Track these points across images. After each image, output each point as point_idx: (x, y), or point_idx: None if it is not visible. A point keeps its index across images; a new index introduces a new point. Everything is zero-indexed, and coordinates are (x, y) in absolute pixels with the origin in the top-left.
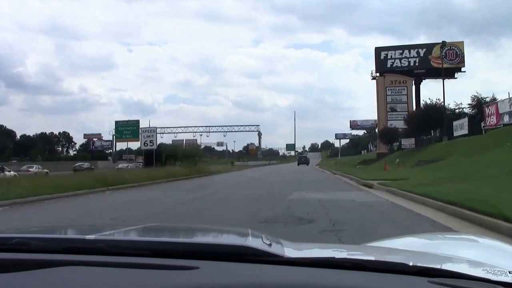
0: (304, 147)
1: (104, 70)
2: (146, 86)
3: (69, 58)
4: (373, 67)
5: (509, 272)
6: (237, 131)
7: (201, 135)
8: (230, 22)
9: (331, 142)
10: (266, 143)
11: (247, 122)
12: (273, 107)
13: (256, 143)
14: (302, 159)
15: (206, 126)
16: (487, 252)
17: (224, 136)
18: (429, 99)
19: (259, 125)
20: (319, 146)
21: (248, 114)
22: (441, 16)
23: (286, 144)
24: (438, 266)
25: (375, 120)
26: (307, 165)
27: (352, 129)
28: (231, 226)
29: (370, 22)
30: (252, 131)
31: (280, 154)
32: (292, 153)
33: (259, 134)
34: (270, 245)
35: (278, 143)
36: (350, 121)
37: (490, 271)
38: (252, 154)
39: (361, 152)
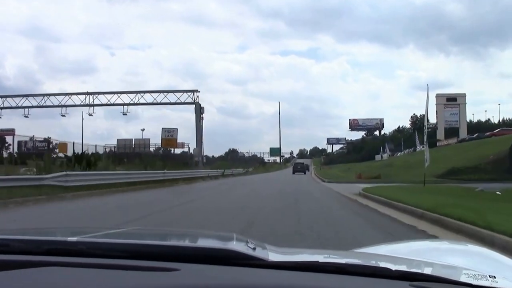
0: (291, 153)
1: (86, 73)
2: (128, 90)
3: (49, 61)
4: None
5: (489, 276)
6: (172, 104)
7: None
8: (215, 27)
9: (320, 148)
10: (253, 150)
11: (231, 129)
12: (259, 114)
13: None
14: (298, 166)
15: (135, 92)
16: (472, 259)
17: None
18: None
19: (198, 92)
20: (308, 153)
21: (233, 121)
22: (430, 24)
23: (270, 149)
24: (420, 271)
25: (380, 119)
26: (304, 173)
27: (351, 130)
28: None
29: (358, 29)
30: (188, 103)
31: (266, 160)
32: (277, 159)
33: (198, 109)
34: (254, 249)
35: (265, 150)
36: (350, 120)
37: (471, 275)
38: (172, 150)
39: (374, 157)
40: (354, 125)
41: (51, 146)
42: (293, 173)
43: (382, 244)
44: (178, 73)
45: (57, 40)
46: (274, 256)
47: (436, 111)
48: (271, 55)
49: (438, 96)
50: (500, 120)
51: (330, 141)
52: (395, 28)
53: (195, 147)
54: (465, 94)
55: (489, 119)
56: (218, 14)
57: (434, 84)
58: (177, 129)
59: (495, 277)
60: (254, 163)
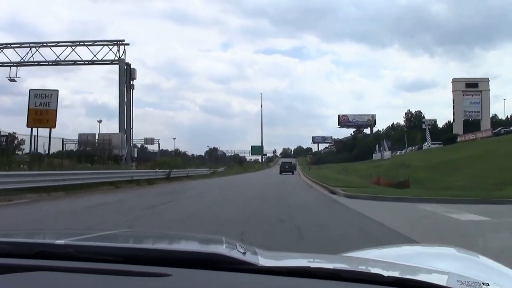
0: (274, 151)
1: (68, 71)
2: (110, 88)
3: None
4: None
5: (483, 283)
6: (84, 63)
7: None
8: (198, 24)
9: (305, 148)
10: (235, 149)
11: (213, 128)
12: (242, 113)
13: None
14: (285, 165)
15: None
16: (461, 264)
17: None
18: None
19: (124, 44)
20: (292, 152)
21: (216, 120)
22: (415, 25)
23: (251, 147)
24: (412, 277)
25: (372, 116)
26: (292, 173)
27: (341, 127)
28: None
29: (344, 29)
30: (108, 61)
31: (248, 160)
32: (259, 158)
33: (124, 70)
34: (244, 253)
35: (248, 149)
36: (339, 116)
37: (464, 282)
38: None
39: (367, 156)
40: (344, 122)
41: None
42: (280, 173)
43: (370, 249)
44: (161, 72)
45: (39, 36)
46: (264, 260)
47: (453, 99)
48: (255, 53)
49: (455, 81)
50: (509, 116)
51: (316, 140)
52: (380, 27)
53: (121, 133)
54: (488, 79)
55: (496, 115)
56: (202, 11)
57: (419, 84)
58: (57, 91)
59: (488, 285)
60: (230, 162)
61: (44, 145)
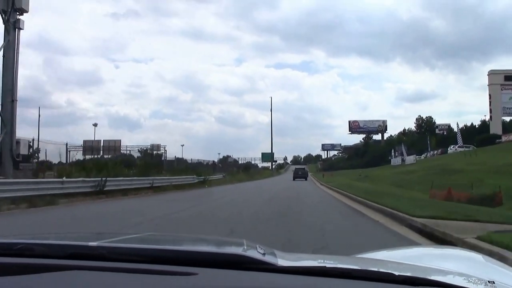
0: (285, 158)
1: (91, 85)
2: (132, 101)
3: (57, 73)
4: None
5: (488, 281)
6: None
7: None
8: (213, 41)
9: (314, 155)
10: (248, 157)
11: (228, 138)
12: (255, 124)
13: None
14: (299, 171)
15: None
16: (465, 264)
17: None
18: None
19: None
20: (302, 159)
21: (230, 130)
22: (417, 39)
23: (262, 154)
24: (422, 276)
25: (383, 121)
26: (306, 179)
27: (351, 133)
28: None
29: (349, 44)
30: None
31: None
32: (268, 165)
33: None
34: (264, 254)
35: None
36: (350, 122)
37: (471, 280)
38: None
39: (379, 161)
40: (355, 128)
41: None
42: (294, 179)
43: (379, 251)
44: (178, 85)
45: (66, 53)
46: (283, 261)
47: (489, 95)
48: (266, 68)
49: (492, 73)
50: None
51: (325, 147)
52: (383, 42)
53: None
54: None
55: None
56: (217, 28)
57: (419, 96)
58: None
59: (493, 283)
60: (232, 168)
61: None
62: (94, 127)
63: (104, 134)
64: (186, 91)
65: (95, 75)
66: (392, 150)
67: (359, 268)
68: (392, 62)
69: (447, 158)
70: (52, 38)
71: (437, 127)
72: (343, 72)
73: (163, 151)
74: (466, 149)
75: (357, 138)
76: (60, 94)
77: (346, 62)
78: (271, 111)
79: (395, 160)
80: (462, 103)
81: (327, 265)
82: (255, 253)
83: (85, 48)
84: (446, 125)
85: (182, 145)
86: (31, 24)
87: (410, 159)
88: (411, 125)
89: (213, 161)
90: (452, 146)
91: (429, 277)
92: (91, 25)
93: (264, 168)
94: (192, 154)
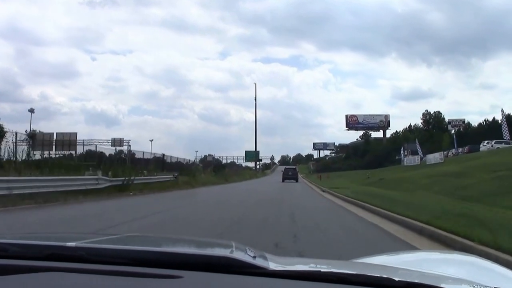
0: (272, 158)
1: (66, 78)
2: (110, 96)
3: (29, 65)
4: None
5: None
6: None
7: None
8: (196, 33)
9: (304, 155)
10: (232, 156)
11: (212, 136)
12: (240, 122)
13: None
14: (289, 172)
15: None
16: (468, 270)
17: None
18: None
19: None
20: (291, 159)
21: (214, 128)
22: (412, 33)
23: (245, 152)
24: (423, 282)
25: (385, 116)
26: (296, 181)
27: (349, 129)
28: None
29: (340, 37)
30: None
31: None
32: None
33: None
34: (254, 257)
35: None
36: (347, 116)
37: (476, 286)
38: None
39: (400, 161)
40: (352, 123)
41: None
42: (283, 180)
43: (376, 255)
44: (160, 80)
45: (38, 43)
46: (274, 265)
47: None
48: (253, 62)
49: None
50: None
51: (317, 147)
52: (377, 36)
53: None
54: None
55: None
56: (200, 19)
57: (415, 94)
58: None
59: None
60: (189, 167)
61: None
62: (30, 113)
63: (81, 132)
64: (168, 86)
65: (70, 68)
66: (402, 148)
67: (357, 273)
68: (387, 58)
69: (491, 155)
70: (23, 27)
71: (449, 123)
72: (334, 68)
73: (126, 146)
74: (506, 145)
75: (354, 136)
76: (33, 87)
77: (337, 57)
78: (255, 100)
79: (410, 160)
80: (461, 102)
81: (322, 270)
82: (244, 256)
83: (59, 39)
84: (460, 120)
85: (151, 140)
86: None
87: (436, 158)
88: (406, 124)
89: (189, 160)
90: (487, 141)
91: (431, 283)
92: (65, 14)
93: (247, 168)
94: (173, 153)
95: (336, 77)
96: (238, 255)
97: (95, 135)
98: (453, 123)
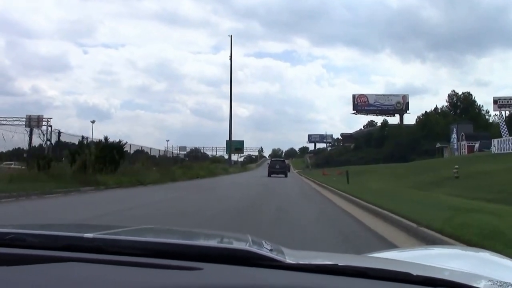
0: (261, 150)
1: (58, 71)
2: (101, 90)
3: (21, 57)
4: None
5: None
6: None
7: None
8: (189, 26)
9: (297, 149)
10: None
11: (207, 132)
12: (233, 117)
13: None
14: (276, 164)
15: None
16: (484, 265)
17: None
18: None
19: None
20: (283, 153)
21: (207, 123)
22: (407, 29)
23: (226, 141)
24: (442, 277)
25: (403, 97)
26: (286, 176)
27: (356, 112)
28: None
29: (335, 33)
30: None
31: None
32: (237, 157)
33: None
34: (271, 250)
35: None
36: (355, 96)
37: (496, 282)
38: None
39: (440, 150)
40: (362, 105)
41: None
42: (269, 175)
43: (385, 251)
44: (152, 73)
45: (29, 35)
46: (291, 258)
47: None
48: (246, 56)
49: None
50: None
51: (313, 139)
52: (372, 32)
53: None
54: None
55: None
56: (192, 13)
57: (409, 90)
58: None
59: None
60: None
61: None
62: None
63: (73, 125)
64: (160, 80)
65: (61, 61)
66: (454, 132)
67: (374, 267)
68: (381, 53)
69: None
70: (14, 18)
71: (495, 102)
72: (328, 64)
73: (45, 127)
74: None
75: (356, 125)
76: (25, 80)
77: (331, 53)
78: (230, 58)
79: (455, 147)
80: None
81: (340, 263)
82: (262, 249)
83: (51, 31)
84: (509, 98)
85: (93, 122)
86: None
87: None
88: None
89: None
90: None
91: (450, 279)
92: (56, 6)
93: (214, 159)
94: (159, 146)
95: (329, 72)
96: (256, 248)
97: (82, 129)
98: (501, 102)
